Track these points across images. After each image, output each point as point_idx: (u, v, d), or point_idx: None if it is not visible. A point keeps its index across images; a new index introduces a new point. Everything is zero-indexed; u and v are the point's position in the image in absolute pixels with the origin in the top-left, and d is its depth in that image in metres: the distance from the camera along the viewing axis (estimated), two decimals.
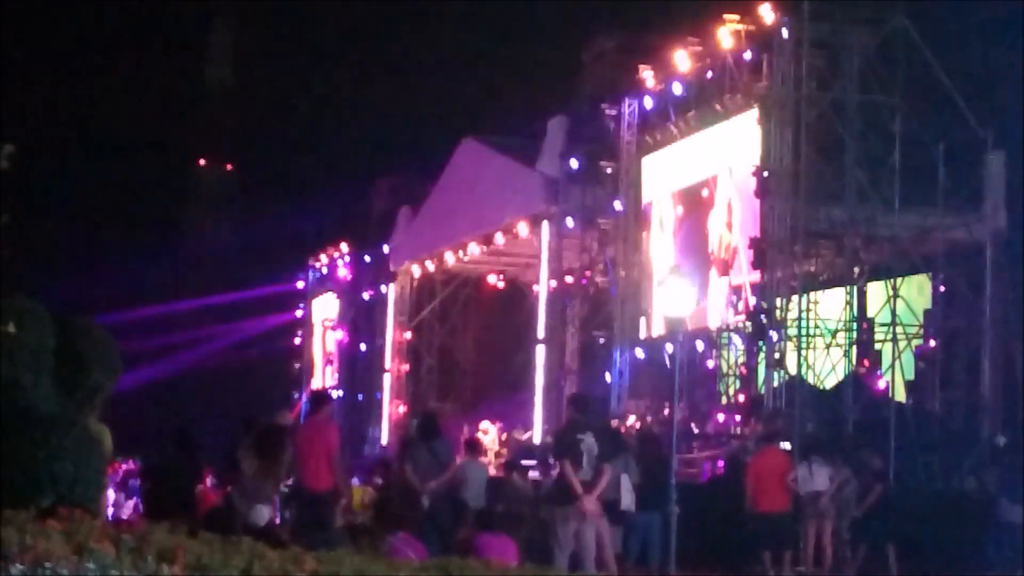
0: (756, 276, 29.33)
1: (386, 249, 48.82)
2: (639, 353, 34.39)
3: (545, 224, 37.28)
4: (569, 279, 38.60)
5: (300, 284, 59.35)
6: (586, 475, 16.26)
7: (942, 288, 30.54)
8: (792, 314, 29.00)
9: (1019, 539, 18.75)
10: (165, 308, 61.67)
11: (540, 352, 37.39)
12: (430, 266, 46.01)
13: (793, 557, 23.42)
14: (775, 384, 28.96)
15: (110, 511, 28.57)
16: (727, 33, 30.66)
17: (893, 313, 29.85)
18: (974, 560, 20.52)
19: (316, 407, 18.94)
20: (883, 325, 30.44)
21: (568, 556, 16.21)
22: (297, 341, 59.51)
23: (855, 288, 30.35)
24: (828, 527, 23.18)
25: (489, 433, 37.15)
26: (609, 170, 35.87)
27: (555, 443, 18.57)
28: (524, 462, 29.07)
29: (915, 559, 22.59)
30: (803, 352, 29.07)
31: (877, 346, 31.11)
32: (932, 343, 30.67)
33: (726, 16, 30.78)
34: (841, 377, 29.50)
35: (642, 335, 34.45)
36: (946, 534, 22.13)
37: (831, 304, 30.34)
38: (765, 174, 28.91)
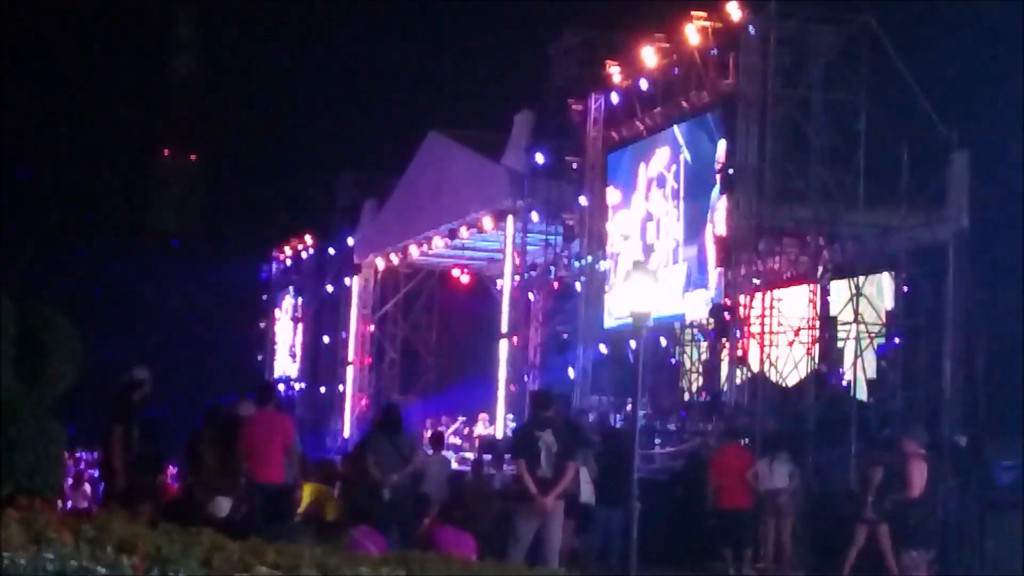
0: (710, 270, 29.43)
1: (350, 242, 48.78)
2: (602, 348, 34.43)
3: (510, 219, 37.27)
4: (533, 274, 38.62)
5: (263, 276, 59.23)
6: (545, 473, 16.17)
7: (905, 287, 30.64)
8: (755, 311, 29.07)
9: None
10: (128, 297, 61.42)
11: (503, 346, 37.38)
12: (394, 259, 45.96)
13: (753, 554, 23.51)
14: (737, 381, 29.02)
15: (69, 503, 28.51)
16: (694, 30, 30.68)
17: (856, 312, 29.93)
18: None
19: (264, 399, 18.86)
20: (845, 323, 30.52)
21: (525, 552, 16.12)
22: (260, 332, 59.40)
23: (818, 286, 30.43)
24: (788, 524, 23.26)
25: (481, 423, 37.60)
26: (575, 165, 35.87)
27: (512, 441, 18.53)
28: (487, 456, 29.08)
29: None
30: (765, 349, 29.14)
31: (839, 344, 31.20)
32: (895, 341, 30.77)
33: (693, 13, 30.79)
34: (803, 375, 29.58)
35: (605, 327, 34.49)
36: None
37: (794, 302, 30.41)
38: (730, 171, 28.96)
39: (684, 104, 31.58)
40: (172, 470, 25.17)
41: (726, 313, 28.59)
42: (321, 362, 52.16)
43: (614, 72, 34.15)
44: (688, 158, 31.50)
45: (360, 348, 47.92)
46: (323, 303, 52.29)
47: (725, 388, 29.69)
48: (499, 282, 40.00)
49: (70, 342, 10.31)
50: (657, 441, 30.96)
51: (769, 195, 28.87)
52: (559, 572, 11.69)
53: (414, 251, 43.93)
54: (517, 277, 37.73)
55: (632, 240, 33.86)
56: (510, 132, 37.44)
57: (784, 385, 29.65)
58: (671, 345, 34.42)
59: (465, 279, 46.49)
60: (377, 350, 48.13)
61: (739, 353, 28.79)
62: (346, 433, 46.52)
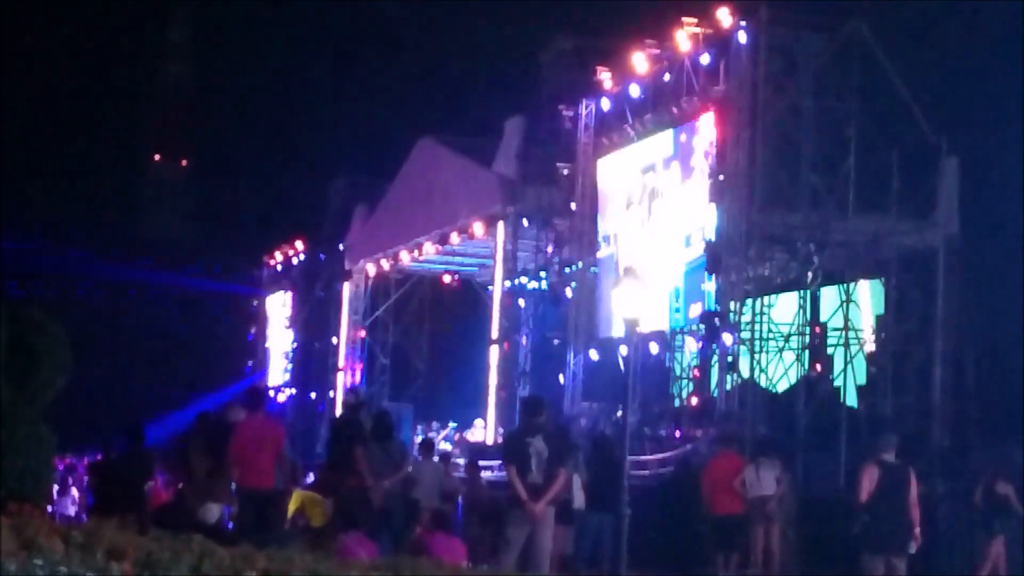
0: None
1: (341, 247, 48.76)
2: (593, 355, 34.42)
3: (500, 224, 37.28)
4: (524, 280, 38.64)
5: (254, 281, 59.19)
6: (536, 479, 16.14)
7: (895, 293, 30.68)
8: (746, 317, 29.09)
9: None
10: (119, 304, 61.33)
11: (494, 352, 37.38)
12: (385, 265, 45.96)
13: (741, 560, 23.49)
14: (728, 387, 29.03)
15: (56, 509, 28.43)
16: (685, 36, 30.72)
17: (846, 318, 29.96)
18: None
19: (253, 405, 18.82)
20: (836, 329, 30.56)
21: (515, 558, 16.09)
22: (250, 338, 59.33)
23: (808, 292, 30.46)
24: (776, 530, 23.25)
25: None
26: (566, 171, 35.91)
27: (503, 447, 18.47)
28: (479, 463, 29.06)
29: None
30: (756, 355, 29.16)
31: (829, 350, 31.23)
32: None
33: (684, 19, 30.85)
34: (793, 381, 29.60)
35: (597, 336, 34.49)
36: None
37: (784, 308, 30.44)
38: (720, 178, 28.98)
39: (675, 110, 31.61)
40: (162, 477, 25.10)
41: (716, 319, 28.62)
42: (311, 368, 52.12)
43: (605, 78, 34.17)
44: (678, 164, 31.51)
45: (351, 354, 47.91)
46: (313, 308, 52.26)
47: (716, 394, 29.70)
48: (490, 288, 40.01)
49: (61, 347, 10.28)
50: (647, 447, 30.94)
51: (759, 201, 28.90)
52: None
53: (405, 257, 43.94)
54: (508, 283, 37.73)
55: (623, 247, 33.87)
56: (501, 138, 37.46)
57: (774, 391, 29.68)
58: (662, 351, 34.42)
59: (456, 285, 46.50)
60: (368, 356, 48.11)
61: (729, 359, 28.81)
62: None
